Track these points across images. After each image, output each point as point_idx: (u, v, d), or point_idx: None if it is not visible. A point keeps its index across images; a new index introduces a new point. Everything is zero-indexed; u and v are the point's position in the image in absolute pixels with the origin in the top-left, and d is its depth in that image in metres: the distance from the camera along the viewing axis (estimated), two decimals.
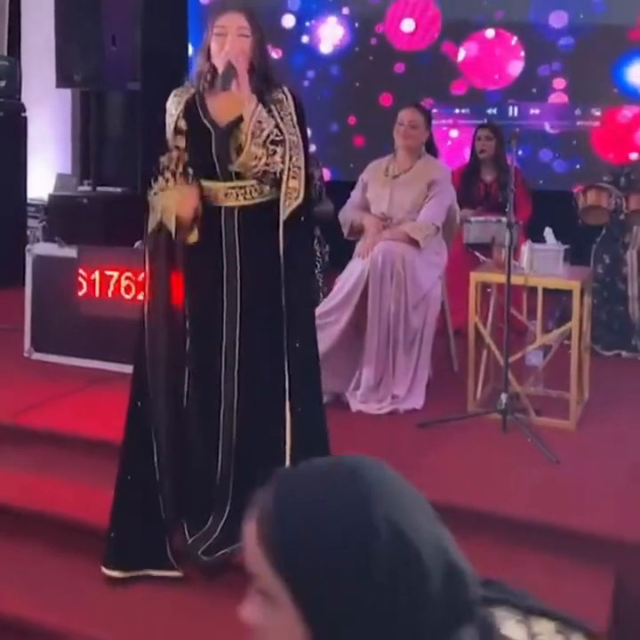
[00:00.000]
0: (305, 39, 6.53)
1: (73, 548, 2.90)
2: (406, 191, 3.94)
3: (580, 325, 3.62)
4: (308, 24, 6.51)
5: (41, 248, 4.40)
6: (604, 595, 2.60)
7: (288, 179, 2.64)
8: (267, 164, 2.63)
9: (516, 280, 3.54)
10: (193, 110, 2.75)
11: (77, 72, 5.87)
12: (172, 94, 2.78)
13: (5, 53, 6.79)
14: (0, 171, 5.87)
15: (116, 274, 4.01)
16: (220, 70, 2.66)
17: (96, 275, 4.06)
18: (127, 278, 4.01)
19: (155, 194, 2.73)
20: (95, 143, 6.57)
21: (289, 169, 2.64)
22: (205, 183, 2.75)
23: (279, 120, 2.65)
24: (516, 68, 6.06)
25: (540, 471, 3.14)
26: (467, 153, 5.64)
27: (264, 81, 2.73)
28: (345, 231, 4.04)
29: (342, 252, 4.23)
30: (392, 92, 6.23)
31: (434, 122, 6.16)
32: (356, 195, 4.10)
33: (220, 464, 2.81)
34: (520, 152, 5.85)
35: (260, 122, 2.61)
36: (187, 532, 2.82)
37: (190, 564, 2.75)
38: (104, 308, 4.02)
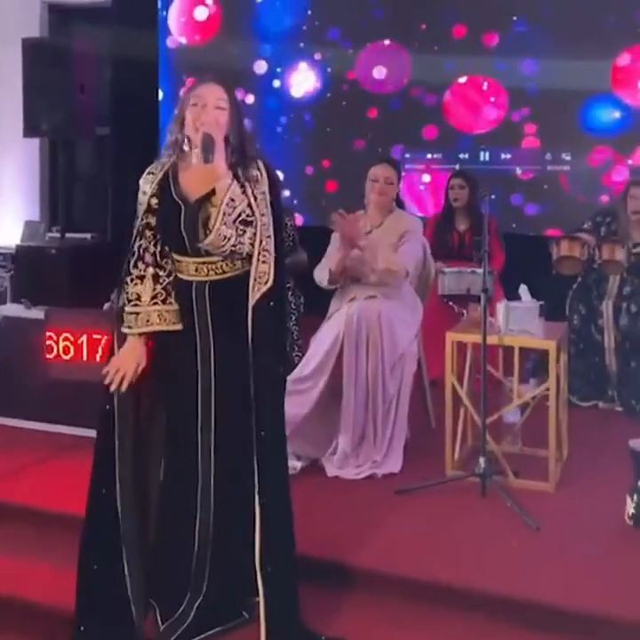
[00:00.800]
0: (277, 84, 6.52)
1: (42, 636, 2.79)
2: (379, 247, 3.89)
3: (557, 383, 3.58)
4: (279, 70, 6.50)
5: (8, 309, 4.34)
6: None
7: (258, 263, 2.58)
8: (234, 245, 2.57)
9: (492, 340, 3.50)
10: (165, 186, 2.68)
11: (45, 121, 5.81)
12: (145, 172, 2.71)
13: None
14: None
15: (84, 337, 3.92)
16: (195, 142, 2.60)
17: (64, 337, 3.97)
18: (96, 340, 3.92)
19: (131, 281, 2.69)
20: (63, 189, 6.50)
21: (259, 252, 2.58)
22: (176, 257, 2.69)
23: (252, 199, 2.58)
24: (488, 113, 6.08)
25: (519, 539, 3.08)
26: (440, 197, 5.63)
27: (240, 155, 2.67)
28: (325, 282, 3.94)
29: (317, 299, 4.19)
30: (364, 137, 6.23)
31: (407, 166, 6.25)
32: (330, 251, 4.04)
33: (196, 545, 2.73)
34: (492, 196, 5.87)
35: (232, 199, 2.55)
36: (159, 617, 2.72)
37: None
38: (72, 371, 3.93)
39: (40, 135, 6.18)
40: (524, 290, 3.76)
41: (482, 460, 3.40)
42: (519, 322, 3.60)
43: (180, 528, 2.72)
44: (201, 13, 6.64)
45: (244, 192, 2.58)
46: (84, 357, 3.95)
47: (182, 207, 2.63)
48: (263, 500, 2.55)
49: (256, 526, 2.55)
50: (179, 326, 2.70)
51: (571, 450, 3.86)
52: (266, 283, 2.57)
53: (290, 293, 4.78)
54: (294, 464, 3.52)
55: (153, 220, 2.67)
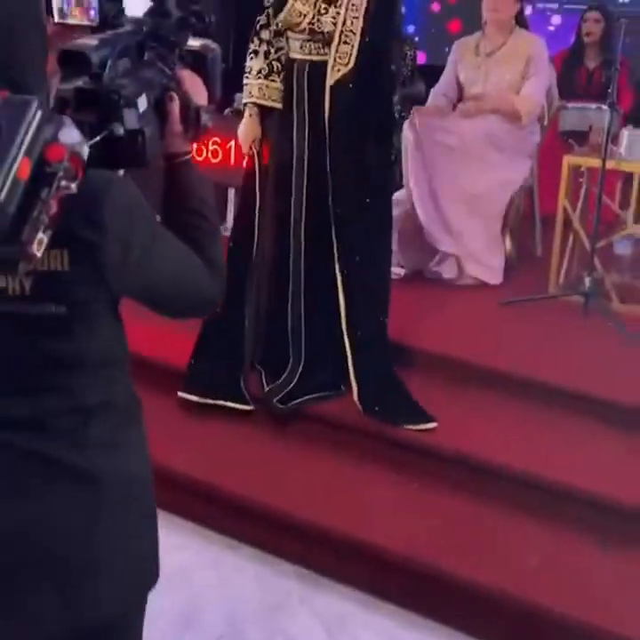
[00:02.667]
0: None
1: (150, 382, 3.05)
2: (503, 70, 3.81)
3: None
4: None
5: None
6: None
7: (339, 43, 2.57)
8: (311, 23, 2.57)
9: (610, 165, 3.45)
10: None
11: None
12: None
13: None
14: None
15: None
16: None
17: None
18: (214, 143, 4.06)
19: (248, 55, 2.77)
20: None
21: (341, 32, 2.56)
22: (289, 33, 2.71)
23: None
24: None
25: (616, 353, 3.14)
26: (569, 41, 5.40)
27: None
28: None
29: None
30: None
31: (539, 5, 5.97)
32: (446, 77, 3.98)
33: (289, 317, 2.90)
34: (628, 40, 5.59)
35: None
36: (264, 380, 2.94)
37: (265, 411, 2.88)
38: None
39: None
40: None
41: (587, 280, 3.43)
42: None
43: (275, 302, 2.90)
44: None
45: None
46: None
47: None
48: (357, 259, 2.68)
49: (339, 291, 2.72)
50: (278, 105, 2.76)
51: None
52: (346, 65, 2.56)
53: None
54: (398, 271, 3.62)
55: None
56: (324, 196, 2.69)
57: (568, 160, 3.62)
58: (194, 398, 2.89)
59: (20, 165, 0.92)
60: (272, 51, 2.76)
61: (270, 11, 2.71)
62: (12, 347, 1.12)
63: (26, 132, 0.93)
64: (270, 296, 2.93)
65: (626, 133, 3.58)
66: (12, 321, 1.11)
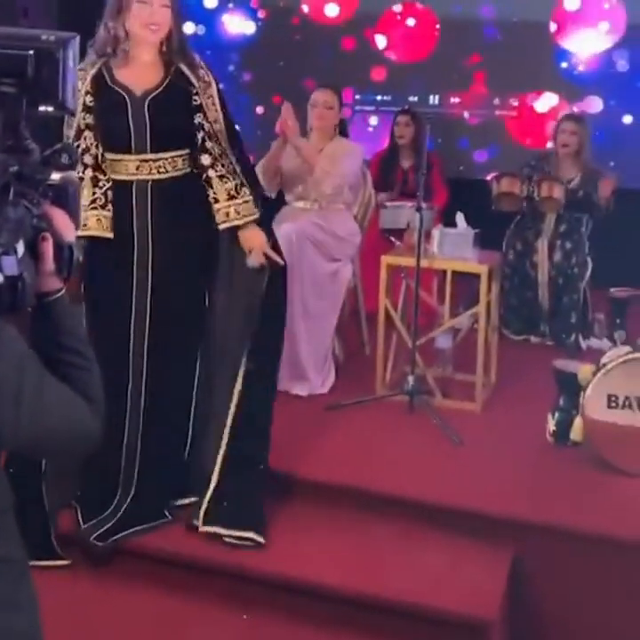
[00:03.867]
0: (225, 19, 6.42)
1: None
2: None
3: (487, 309, 3.65)
4: (230, 5, 6.40)
5: None
6: (499, 576, 2.62)
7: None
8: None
9: (425, 263, 3.55)
10: (101, 82, 2.65)
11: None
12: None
13: None
14: None
15: None
16: (144, 38, 2.61)
17: None
18: None
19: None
20: None
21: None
22: (113, 156, 2.66)
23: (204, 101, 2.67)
24: (436, 52, 6.08)
25: (442, 452, 3.16)
26: (386, 140, 5.63)
27: (182, 54, 2.67)
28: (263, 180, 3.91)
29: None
30: (314, 77, 6.18)
31: (356, 108, 6.23)
32: None
33: (124, 447, 2.76)
34: (439, 140, 5.90)
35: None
36: (80, 517, 2.74)
37: (78, 551, 2.68)
38: None
39: None
40: (460, 217, 3.81)
41: (410, 379, 3.47)
42: (453, 247, 3.66)
43: (109, 428, 2.74)
44: None
45: (196, 93, 2.62)
46: None
47: (127, 100, 2.61)
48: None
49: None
50: (111, 234, 2.67)
51: (499, 377, 3.94)
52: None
53: None
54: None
55: (91, 119, 2.64)
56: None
57: (385, 259, 3.70)
58: None
59: None
60: (102, 177, 2.72)
61: (88, 133, 2.70)
62: None
63: None
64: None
65: (436, 233, 3.70)
66: None
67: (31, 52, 1.36)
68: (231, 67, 6.41)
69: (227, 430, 2.73)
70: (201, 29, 6.36)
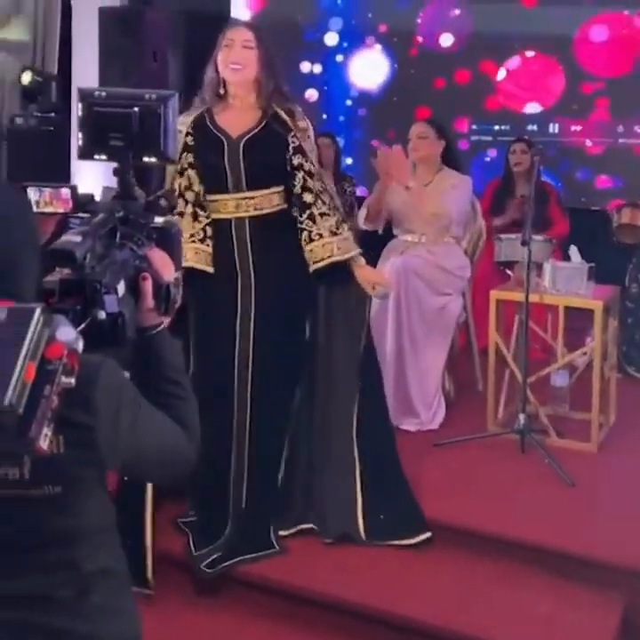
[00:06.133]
0: (339, 58, 6.51)
1: None
2: (427, 205, 3.88)
3: (603, 345, 3.53)
4: (345, 44, 6.51)
5: None
6: (610, 623, 2.52)
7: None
8: None
9: (535, 298, 3.47)
10: (201, 125, 2.78)
11: (120, 87, 5.97)
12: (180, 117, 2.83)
13: (56, 71, 6.95)
14: (45, 180, 5.99)
15: None
16: (228, 80, 2.74)
17: None
18: None
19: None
20: None
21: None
22: (212, 196, 2.78)
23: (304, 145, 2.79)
24: (557, 85, 5.98)
25: (554, 494, 3.06)
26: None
27: (278, 97, 2.77)
28: (361, 220, 3.92)
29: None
30: (430, 107, 6.20)
31: (473, 138, 6.19)
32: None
33: (232, 479, 2.83)
34: (559, 169, 5.78)
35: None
36: (192, 544, 2.82)
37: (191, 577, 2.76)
38: None
39: None
40: (573, 251, 3.71)
41: (521, 417, 3.39)
42: (566, 282, 3.56)
43: (216, 463, 2.82)
44: None
45: (294, 135, 2.73)
46: None
47: (224, 142, 2.72)
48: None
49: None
50: (211, 269, 2.76)
51: (619, 416, 3.79)
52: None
53: None
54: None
55: (192, 158, 2.76)
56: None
57: (494, 294, 3.64)
58: None
59: (27, 369, 1.02)
60: (202, 214, 2.83)
61: (190, 171, 2.82)
62: (12, 527, 1.20)
63: (31, 338, 1.03)
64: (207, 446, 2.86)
65: (548, 267, 3.62)
66: (11, 504, 1.19)
67: (136, 109, 1.49)
68: (348, 101, 6.52)
69: (357, 466, 2.85)
70: (318, 67, 6.50)
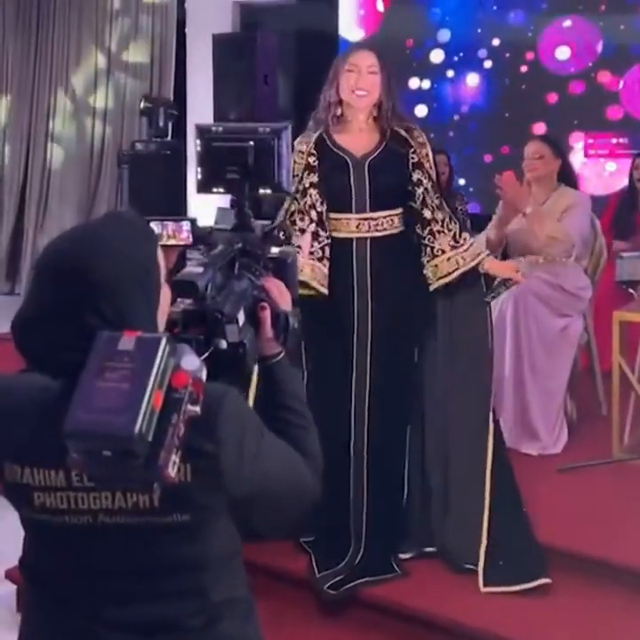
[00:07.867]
0: (450, 73, 6.46)
1: None
2: (542, 225, 3.77)
3: None
4: (455, 58, 6.45)
5: None
6: None
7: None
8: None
9: None
10: (322, 145, 2.80)
11: (232, 111, 6.09)
12: (298, 138, 2.83)
13: (172, 96, 7.19)
14: (163, 206, 6.16)
15: None
16: (353, 104, 2.75)
17: None
18: None
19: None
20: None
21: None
22: (334, 215, 2.79)
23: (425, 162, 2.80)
24: None
25: None
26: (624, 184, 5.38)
27: (397, 118, 2.78)
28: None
29: None
30: (545, 121, 6.06)
31: (590, 151, 6.01)
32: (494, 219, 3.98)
33: (351, 502, 2.83)
34: None
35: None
36: (315, 565, 2.83)
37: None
38: None
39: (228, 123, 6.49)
40: None
41: None
42: None
43: (337, 485, 2.80)
44: (379, 5, 6.69)
45: (413, 151, 2.74)
46: None
47: (349, 163, 2.73)
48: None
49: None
50: (325, 290, 2.74)
51: None
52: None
53: None
54: None
55: (315, 178, 2.78)
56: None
57: (617, 316, 3.51)
58: None
59: (155, 397, 1.04)
60: (323, 233, 2.82)
61: (313, 191, 2.82)
62: (141, 556, 1.21)
63: (159, 367, 1.05)
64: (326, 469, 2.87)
65: None
66: (143, 532, 1.20)
67: (251, 142, 1.53)
68: (456, 117, 6.46)
69: (487, 491, 2.78)
70: (426, 83, 6.47)
